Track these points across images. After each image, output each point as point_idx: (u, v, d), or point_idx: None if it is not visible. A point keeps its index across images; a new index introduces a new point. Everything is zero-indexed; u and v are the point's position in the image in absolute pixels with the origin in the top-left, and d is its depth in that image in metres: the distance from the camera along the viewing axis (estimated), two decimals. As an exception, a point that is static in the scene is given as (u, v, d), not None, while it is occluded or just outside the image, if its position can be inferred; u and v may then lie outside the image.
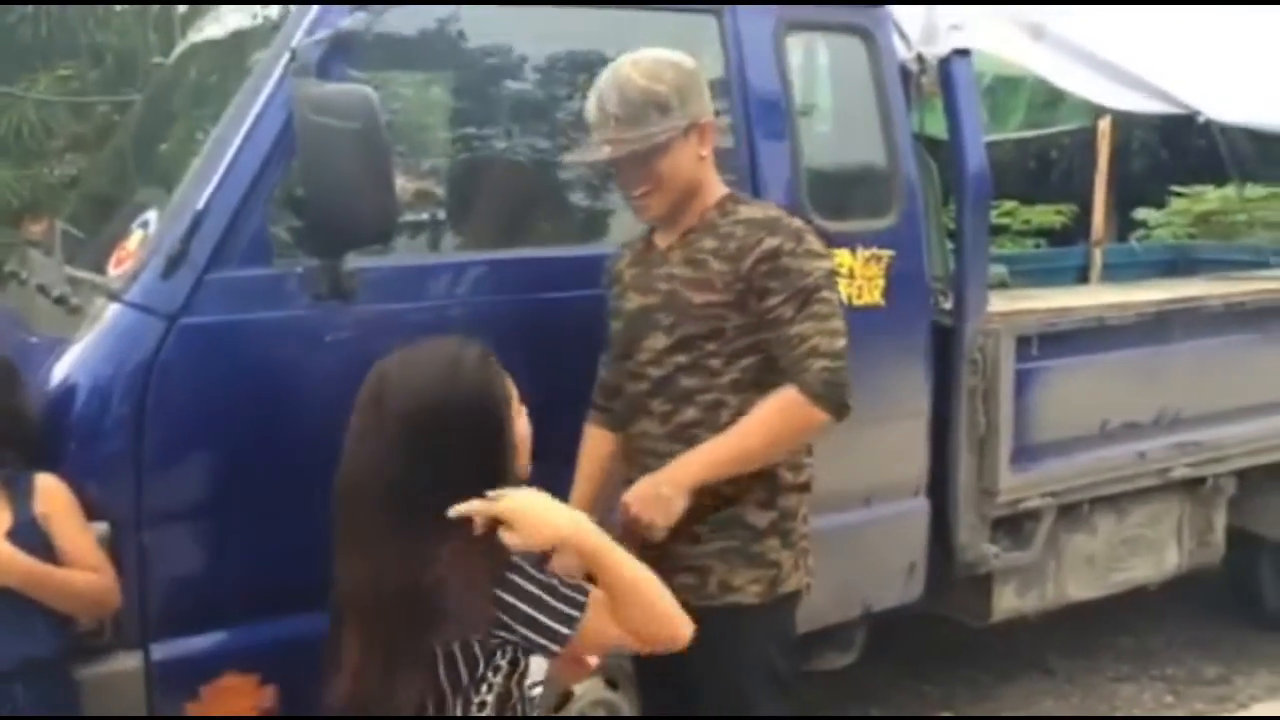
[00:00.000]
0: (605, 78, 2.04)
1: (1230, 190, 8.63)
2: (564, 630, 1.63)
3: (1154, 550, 3.74)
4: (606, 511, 2.22)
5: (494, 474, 1.67)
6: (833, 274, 2.08)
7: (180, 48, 3.10)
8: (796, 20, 2.87)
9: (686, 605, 1.95)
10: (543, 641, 1.62)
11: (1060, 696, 3.92)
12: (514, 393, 1.82)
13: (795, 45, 2.92)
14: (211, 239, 2.19)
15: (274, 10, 2.49)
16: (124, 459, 2.14)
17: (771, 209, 2.14)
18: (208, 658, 2.25)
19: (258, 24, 2.53)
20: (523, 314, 2.42)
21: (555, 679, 2.11)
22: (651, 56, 2.04)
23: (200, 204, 2.18)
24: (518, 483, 1.74)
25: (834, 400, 1.99)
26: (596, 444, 2.29)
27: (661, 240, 2.14)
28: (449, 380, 1.69)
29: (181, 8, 4.46)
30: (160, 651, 2.20)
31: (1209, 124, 3.74)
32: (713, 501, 2.04)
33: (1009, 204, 8.57)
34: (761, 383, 2.04)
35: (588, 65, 2.67)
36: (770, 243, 2.00)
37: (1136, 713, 3.82)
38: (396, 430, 1.64)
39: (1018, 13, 3.34)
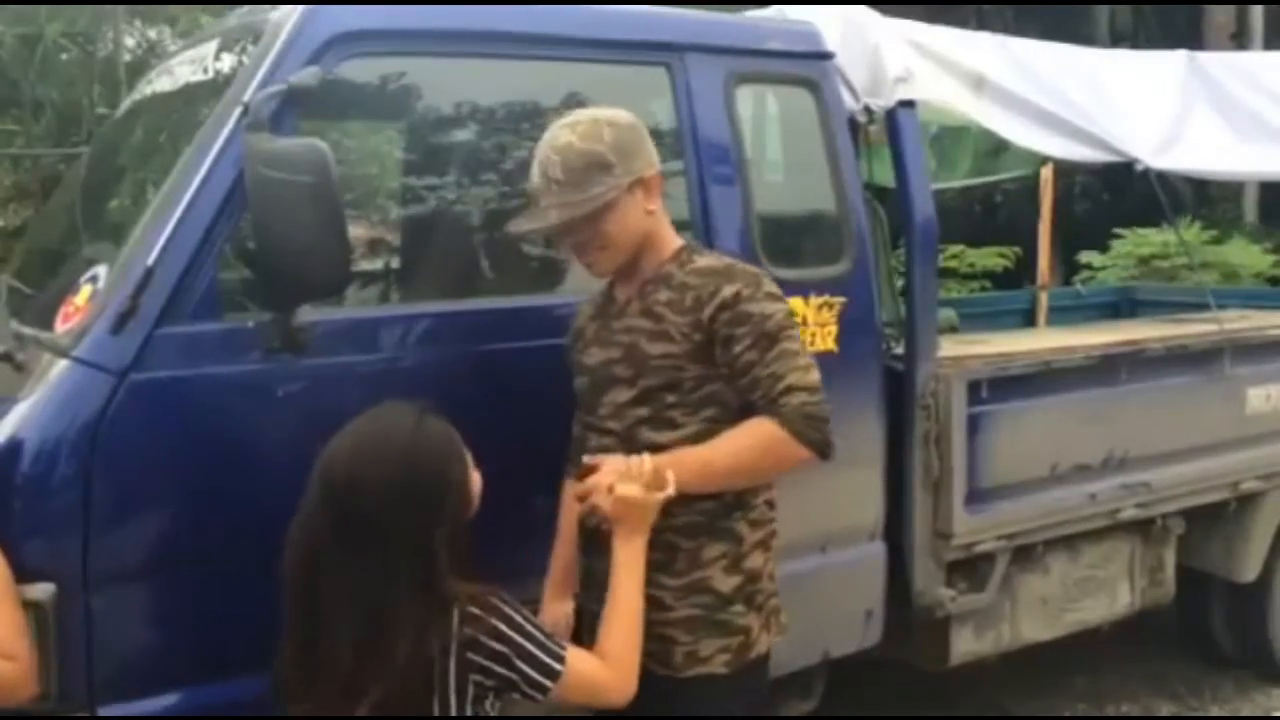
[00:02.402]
0: (544, 146, 2.04)
1: (1171, 234, 8.87)
2: (556, 665, 1.76)
3: (1106, 590, 3.78)
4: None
5: (450, 546, 1.74)
6: (791, 315, 2.08)
7: (129, 100, 3.08)
8: (746, 73, 2.92)
9: (649, 675, 1.99)
10: (537, 677, 1.74)
11: (1018, 738, 3.95)
12: (467, 456, 1.85)
13: (745, 97, 2.96)
14: (162, 294, 2.16)
15: (225, 64, 2.48)
16: (71, 518, 2.10)
17: (725, 258, 2.14)
18: (157, 721, 2.20)
19: (208, 78, 2.53)
20: (478, 365, 2.41)
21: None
22: (589, 117, 2.04)
23: (151, 259, 2.15)
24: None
25: (815, 436, 1.96)
26: (573, 502, 2.22)
27: (621, 293, 2.14)
28: (405, 470, 1.76)
29: (126, 56, 4.44)
30: (108, 716, 2.14)
31: (1147, 171, 3.82)
32: (667, 557, 2.01)
33: (955, 248, 8.76)
34: (721, 434, 2.01)
35: (539, 116, 2.69)
36: (727, 290, 1.99)
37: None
38: (343, 517, 1.73)
39: (960, 64, 3.41)
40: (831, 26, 3.16)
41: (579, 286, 2.47)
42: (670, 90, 2.80)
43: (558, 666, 1.76)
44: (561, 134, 2.01)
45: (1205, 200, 12.86)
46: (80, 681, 2.11)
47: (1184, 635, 4.50)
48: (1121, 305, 6.23)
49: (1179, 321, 4.41)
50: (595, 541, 2.08)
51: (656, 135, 2.85)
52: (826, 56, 3.07)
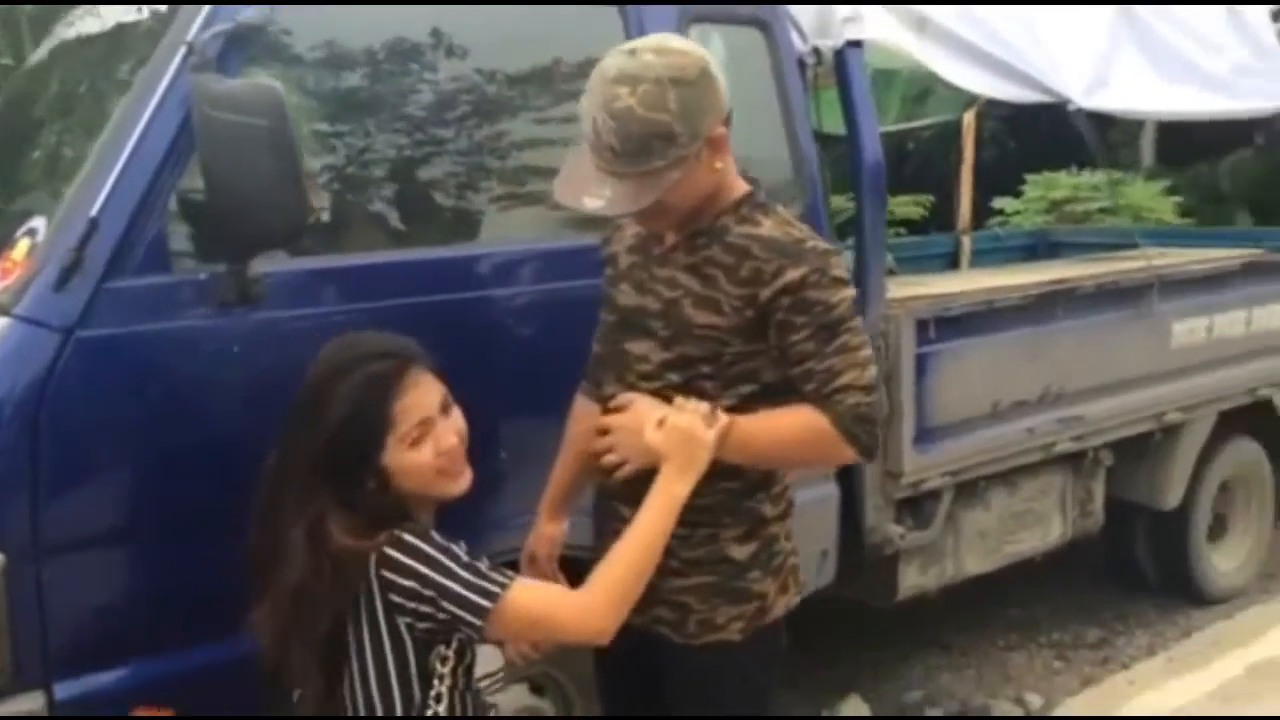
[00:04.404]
0: (599, 102, 1.76)
1: (1080, 178, 9.10)
2: (484, 603, 1.69)
3: (1041, 522, 3.90)
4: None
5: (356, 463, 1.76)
6: (854, 302, 1.89)
7: (47, 44, 2.90)
8: (698, 12, 2.87)
9: (665, 642, 1.98)
10: (466, 615, 1.69)
11: (957, 670, 4.06)
12: (431, 398, 1.81)
13: (696, 38, 2.91)
14: (108, 246, 2.05)
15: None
16: (18, 484, 2.00)
17: (794, 227, 1.90)
18: (115, 693, 2.11)
19: (142, 18, 2.39)
20: (437, 314, 2.35)
21: (516, 654, 2.06)
22: (652, 76, 1.74)
23: (95, 209, 2.04)
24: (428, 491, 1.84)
25: (865, 439, 1.84)
26: (584, 418, 2.13)
27: (668, 234, 1.93)
28: (303, 392, 1.81)
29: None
30: (64, 690, 2.06)
31: (1060, 113, 3.91)
32: (689, 531, 1.91)
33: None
34: (754, 411, 1.90)
35: (496, 59, 2.62)
36: (792, 274, 1.81)
37: (1029, 679, 3.98)
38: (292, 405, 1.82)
39: (903, 5, 3.41)
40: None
41: (549, 232, 2.43)
42: (623, 30, 2.74)
43: (485, 603, 1.69)
44: (620, 94, 1.74)
45: (1106, 145, 13.24)
46: (35, 655, 2.03)
47: (1108, 564, 4.67)
48: (1039, 248, 6.38)
49: (1104, 260, 4.52)
50: (606, 506, 2.04)
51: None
52: (778, -3, 3.05)
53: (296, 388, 2.10)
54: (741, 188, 1.93)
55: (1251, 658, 4.01)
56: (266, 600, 1.80)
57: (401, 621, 1.74)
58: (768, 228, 1.88)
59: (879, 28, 3.33)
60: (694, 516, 1.87)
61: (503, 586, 1.73)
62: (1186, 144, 11.06)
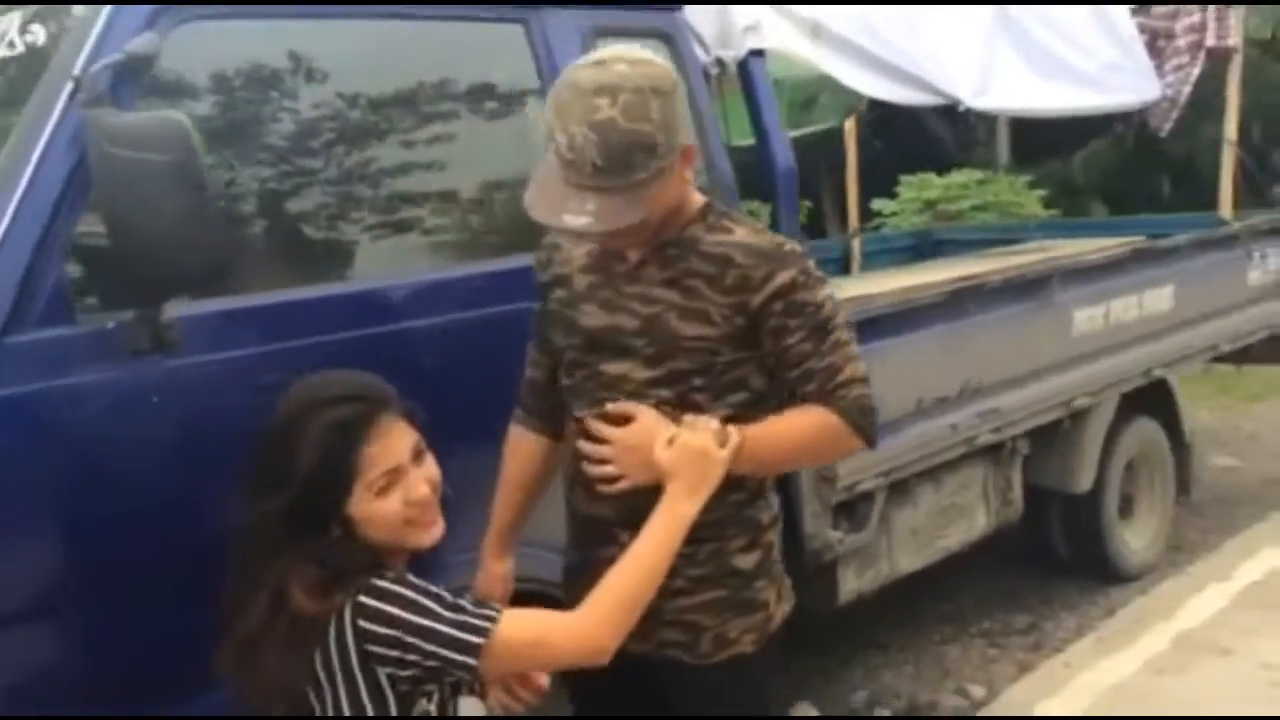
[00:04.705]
0: (576, 111, 1.69)
1: (951, 178, 9.37)
2: (476, 640, 1.61)
3: (966, 515, 3.94)
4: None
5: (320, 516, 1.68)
6: (835, 297, 1.92)
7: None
8: (603, 26, 2.81)
9: (674, 665, 1.92)
10: (457, 656, 1.61)
11: (897, 667, 4.07)
12: (402, 445, 1.72)
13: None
14: (5, 299, 1.89)
15: (40, 36, 2.19)
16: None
17: (764, 231, 1.91)
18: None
19: (18, 53, 2.22)
20: (361, 348, 2.23)
21: (499, 705, 1.95)
22: (632, 86, 1.69)
23: (-14, 259, 1.88)
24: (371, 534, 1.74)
25: (869, 430, 1.88)
26: (529, 450, 2.09)
27: (630, 251, 1.88)
28: (299, 416, 1.70)
29: None
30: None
31: (918, 115, 4.00)
32: (693, 549, 1.85)
33: (751, 204, 8.96)
34: (744, 420, 1.87)
35: (400, 79, 2.52)
36: (782, 277, 1.81)
37: (967, 670, 4.02)
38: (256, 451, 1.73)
39: (797, 13, 3.43)
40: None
41: (473, 258, 2.33)
42: (529, 47, 2.68)
43: (477, 640, 1.62)
44: (600, 105, 1.67)
45: (964, 144, 13.68)
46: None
47: (1027, 550, 4.75)
48: (923, 247, 6.51)
49: (998, 255, 4.63)
50: (592, 531, 1.96)
51: (516, 97, 2.78)
52: (677, 6, 3.01)
53: (221, 435, 2.01)
54: (699, 197, 1.91)
55: (1174, 630, 4.12)
56: (225, 647, 1.71)
57: (383, 674, 1.64)
58: (741, 234, 1.86)
59: (776, 35, 3.35)
60: (699, 533, 1.82)
61: (492, 620, 1.65)
62: (1039, 141, 11.54)
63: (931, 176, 9.52)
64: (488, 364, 2.29)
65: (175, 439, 2.05)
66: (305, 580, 1.67)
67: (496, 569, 2.14)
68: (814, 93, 5.38)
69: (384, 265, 2.43)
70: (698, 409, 1.85)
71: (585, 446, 1.90)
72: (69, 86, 1.99)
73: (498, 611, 1.67)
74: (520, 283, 2.26)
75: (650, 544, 1.76)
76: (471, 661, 1.63)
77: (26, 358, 1.91)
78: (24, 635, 1.93)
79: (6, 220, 1.92)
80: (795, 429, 1.87)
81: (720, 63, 3.17)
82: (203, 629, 1.86)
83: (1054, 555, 4.66)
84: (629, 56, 1.75)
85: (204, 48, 2.23)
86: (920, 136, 12.70)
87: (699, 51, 3.11)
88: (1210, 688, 3.66)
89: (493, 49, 2.69)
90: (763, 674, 2.02)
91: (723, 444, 1.80)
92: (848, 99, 5.93)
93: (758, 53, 3.18)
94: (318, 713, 1.67)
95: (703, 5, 3.16)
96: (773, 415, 1.88)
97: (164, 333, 2.01)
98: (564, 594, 2.11)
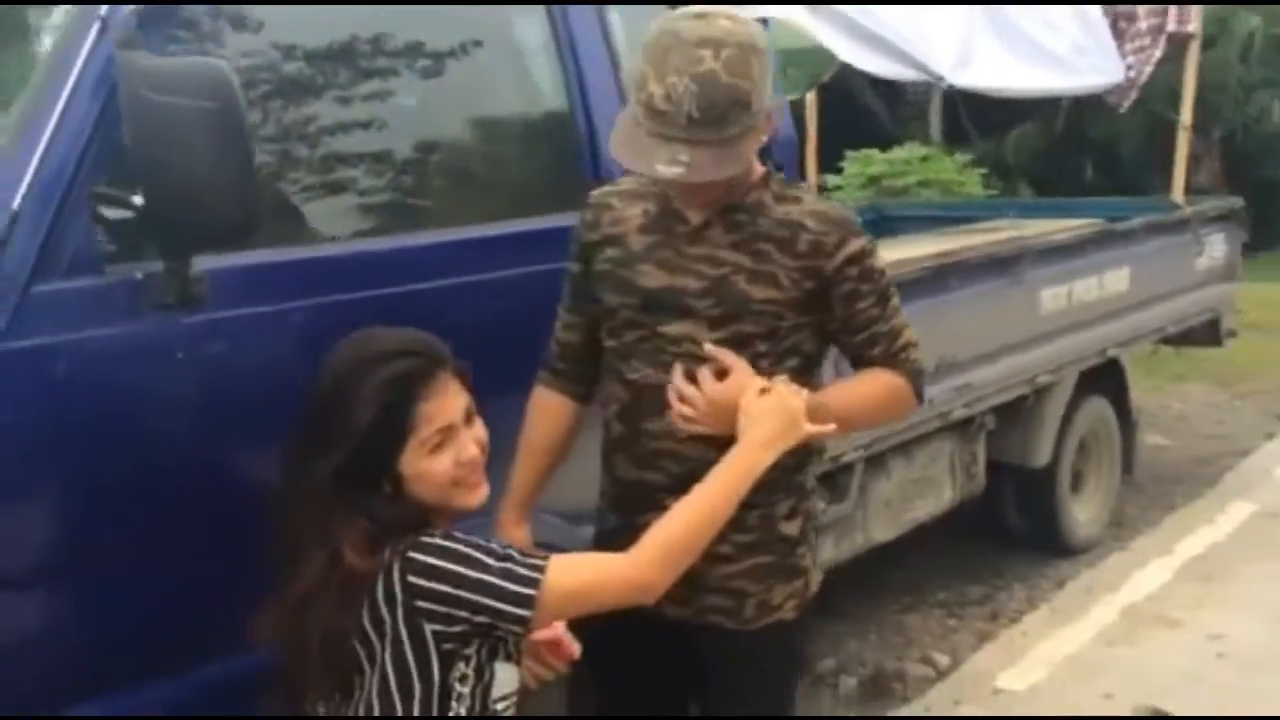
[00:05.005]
0: (677, 60, 1.70)
1: (893, 154, 9.49)
2: (529, 591, 1.61)
3: (934, 488, 4.03)
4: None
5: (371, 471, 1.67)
6: None
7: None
8: (617, -9, 2.79)
9: (716, 630, 1.94)
10: (509, 609, 1.61)
11: (860, 636, 4.16)
12: (456, 404, 1.70)
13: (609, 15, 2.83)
14: (32, 246, 1.81)
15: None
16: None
17: (829, 201, 2.01)
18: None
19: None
20: (395, 307, 2.18)
21: (530, 674, 1.93)
22: (735, 41, 1.71)
23: (14, 205, 1.79)
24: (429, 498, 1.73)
25: (922, 390, 2.01)
26: (557, 412, 2.08)
27: (692, 213, 1.89)
28: (356, 370, 1.69)
29: None
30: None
31: (855, 91, 4.05)
32: (742, 514, 1.85)
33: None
34: (799, 385, 1.89)
35: (429, 41, 2.45)
36: (854, 245, 1.87)
37: (928, 639, 4.12)
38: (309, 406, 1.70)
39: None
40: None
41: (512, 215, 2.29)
42: (546, 15, 2.63)
43: (530, 592, 1.61)
44: (704, 57, 1.69)
45: (899, 121, 13.85)
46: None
47: (980, 523, 4.87)
48: (877, 223, 6.57)
49: (966, 233, 4.70)
50: (636, 497, 1.97)
51: (530, 52, 2.73)
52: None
53: (250, 391, 1.96)
54: (759, 165, 1.93)
55: (1122, 602, 4.29)
56: (270, 609, 1.69)
57: (429, 630, 1.63)
58: (810, 203, 1.91)
59: (779, 7, 3.34)
60: (749, 498, 1.83)
61: (540, 570, 1.64)
62: (971, 121, 11.75)
63: (874, 152, 9.63)
64: (523, 323, 2.25)
65: (201, 395, 1.99)
66: (355, 537, 1.65)
67: (515, 533, 2.11)
68: (783, 65, 5.38)
69: (416, 223, 2.37)
70: (760, 373, 1.87)
71: (679, 385, 1.88)
72: (95, 27, 1.90)
73: (545, 559, 1.66)
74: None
75: (716, 487, 1.76)
76: (526, 613, 1.62)
77: (53, 308, 1.83)
78: (42, 591, 1.87)
79: (32, 168, 1.82)
80: (869, 394, 1.97)
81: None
82: (225, 585, 1.85)
83: (1006, 528, 4.78)
84: (728, 13, 1.77)
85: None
86: (859, 112, 12.85)
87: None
88: (1161, 658, 3.82)
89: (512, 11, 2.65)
90: (800, 639, 2.09)
91: (813, 416, 1.83)
92: (813, 71, 5.97)
93: (762, 21, 3.16)
94: (365, 673, 1.65)
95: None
96: (843, 381, 1.98)
97: (192, 286, 1.94)
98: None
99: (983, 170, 10.02)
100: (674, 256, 1.90)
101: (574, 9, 2.66)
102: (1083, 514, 4.88)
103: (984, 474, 4.26)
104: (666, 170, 1.75)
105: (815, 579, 2.06)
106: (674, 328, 1.89)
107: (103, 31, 1.90)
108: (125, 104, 1.79)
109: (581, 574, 1.70)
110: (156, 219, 1.85)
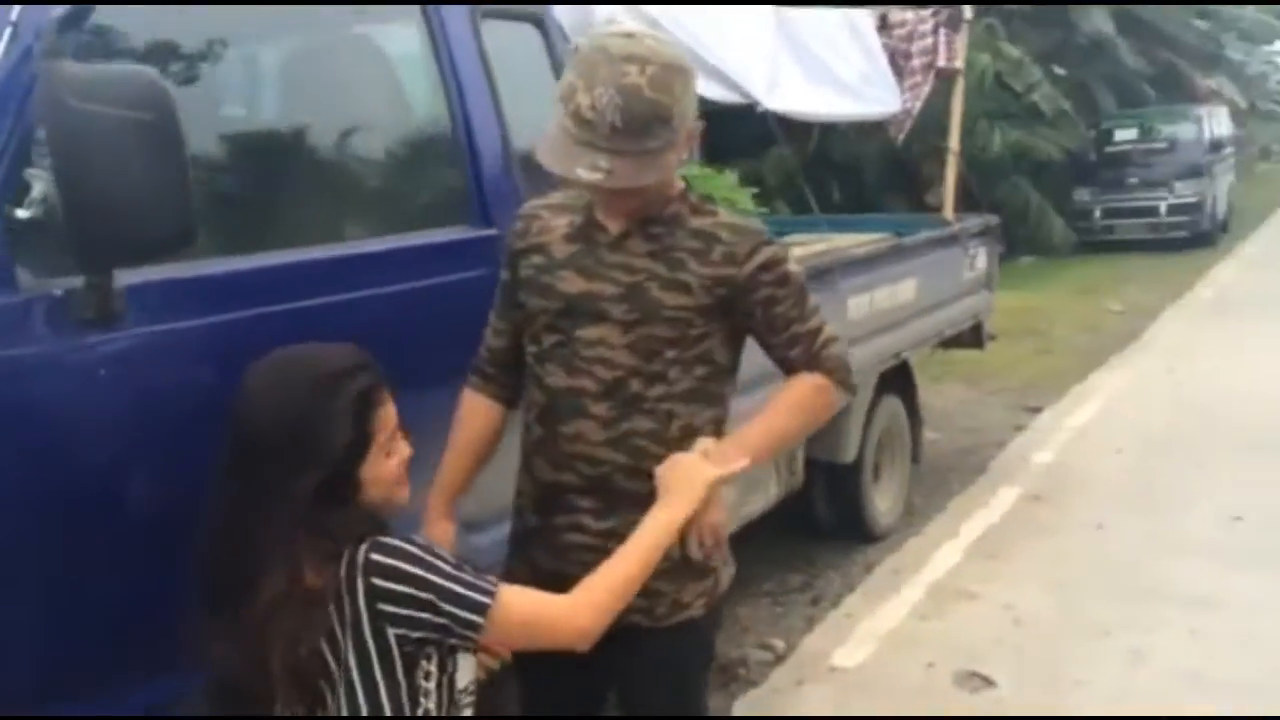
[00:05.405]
0: (605, 73, 1.82)
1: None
2: (485, 600, 1.67)
3: (763, 485, 4.28)
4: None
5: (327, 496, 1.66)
6: None
7: None
8: (486, 10, 2.87)
9: (637, 629, 2.03)
10: (465, 614, 1.65)
11: (698, 630, 4.35)
12: (394, 407, 1.75)
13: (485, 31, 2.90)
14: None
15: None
16: None
17: (741, 215, 2.11)
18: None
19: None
20: (317, 319, 2.19)
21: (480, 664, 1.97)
22: (660, 61, 1.84)
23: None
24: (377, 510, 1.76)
25: (851, 381, 2.09)
26: (485, 414, 2.16)
27: (610, 223, 2.00)
28: (318, 392, 1.68)
29: None
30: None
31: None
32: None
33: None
34: (707, 394, 2.01)
35: (315, 55, 2.46)
36: (767, 252, 1.99)
37: (762, 627, 4.37)
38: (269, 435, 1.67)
39: (643, 11, 3.60)
40: (539, -33, 3.18)
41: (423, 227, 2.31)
42: (424, 26, 2.68)
43: (485, 600, 1.67)
44: (630, 72, 1.81)
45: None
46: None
47: (792, 517, 5.18)
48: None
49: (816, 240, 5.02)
50: (552, 499, 2.04)
51: (408, 64, 2.77)
52: (560, -1, 3.11)
53: (175, 409, 1.92)
54: (679, 180, 2.04)
55: (926, 580, 4.70)
56: (217, 632, 1.67)
57: (392, 634, 1.66)
58: (724, 217, 2.03)
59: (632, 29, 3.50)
60: None
61: (494, 585, 1.70)
62: (726, 141, 12.35)
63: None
64: (440, 331, 2.30)
65: (122, 413, 1.93)
66: (318, 552, 1.66)
67: (443, 525, 2.17)
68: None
69: (330, 234, 2.36)
70: (668, 381, 1.98)
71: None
72: (7, 33, 1.82)
73: (494, 583, 1.72)
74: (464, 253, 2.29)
75: (638, 544, 1.83)
76: (480, 620, 1.67)
77: (-30, 326, 1.74)
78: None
79: (-54, 174, 1.73)
80: (791, 405, 2.05)
81: (578, 50, 3.27)
82: (149, 607, 1.81)
83: (816, 520, 5.12)
84: (655, 35, 1.91)
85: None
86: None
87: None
88: (968, 628, 4.23)
89: (387, 17, 2.68)
90: (709, 634, 2.18)
91: (721, 465, 1.92)
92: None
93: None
94: (334, 679, 1.66)
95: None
96: (766, 406, 2.05)
97: (112, 301, 1.88)
98: (512, 560, 2.18)
99: (754, 190, 10.53)
100: (593, 264, 1.99)
101: (450, 17, 2.71)
102: (883, 504, 5.29)
103: (803, 470, 4.55)
104: (587, 175, 1.86)
105: (726, 576, 2.16)
106: (589, 332, 1.98)
107: (14, 38, 1.83)
108: (46, 113, 1.74)
109: (530, 605, 1.76)
110: (83, 233, 1.79)
